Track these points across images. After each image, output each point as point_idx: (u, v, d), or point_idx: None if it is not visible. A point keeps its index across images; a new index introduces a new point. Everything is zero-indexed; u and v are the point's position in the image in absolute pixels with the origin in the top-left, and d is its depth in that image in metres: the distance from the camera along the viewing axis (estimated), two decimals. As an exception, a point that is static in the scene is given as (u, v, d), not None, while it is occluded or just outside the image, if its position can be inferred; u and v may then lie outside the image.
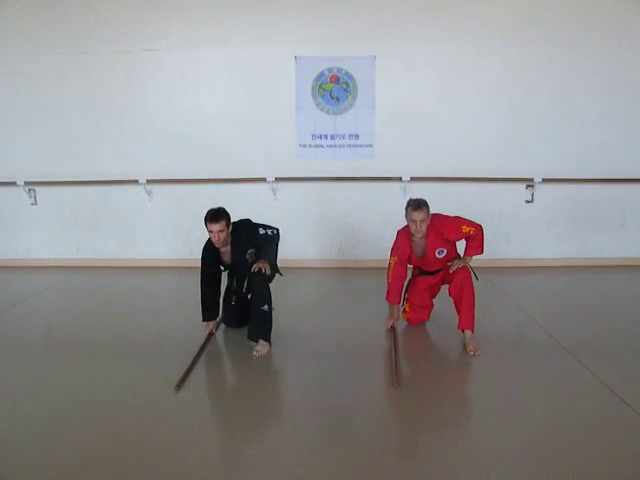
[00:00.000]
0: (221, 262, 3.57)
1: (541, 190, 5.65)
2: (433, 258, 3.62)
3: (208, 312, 3.62)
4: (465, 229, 3.53)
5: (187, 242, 5.81)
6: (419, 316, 3.91)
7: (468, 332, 3.47)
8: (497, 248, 5.68)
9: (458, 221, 3.57)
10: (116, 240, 5.90)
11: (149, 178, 5.66)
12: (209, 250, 3.54)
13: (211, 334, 3.64)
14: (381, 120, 5.57)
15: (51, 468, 2.25)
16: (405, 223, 3.62)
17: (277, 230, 3.55)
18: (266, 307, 3.40)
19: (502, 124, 5.57)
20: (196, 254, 5.66)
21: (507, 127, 5.58)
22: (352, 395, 2.89)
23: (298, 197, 5.72)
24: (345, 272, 5.61)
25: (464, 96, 5.47)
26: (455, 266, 3.54)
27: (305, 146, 5.63)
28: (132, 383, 3.04)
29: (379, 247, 5.78)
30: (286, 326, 3.81)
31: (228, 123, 5.58)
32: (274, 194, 5.66)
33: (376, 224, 5.72)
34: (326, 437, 2.49)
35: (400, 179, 5.54)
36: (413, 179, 5.47)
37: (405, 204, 3.55)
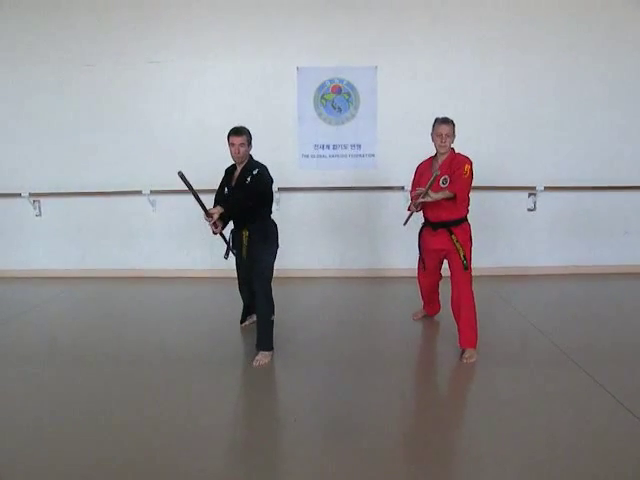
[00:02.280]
0: (229, 184, 3.63)
1: (543, 198, 5.66)
2: (437, 184, 3.49)
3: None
4: (466, 168, 3.44)
5: (191, 252, 5.84)
6: (430, 280, 3.98)
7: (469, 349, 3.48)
8: (500, 256, 5.70)
9: (468, 161, 3.49)
10: (120, 250, 5.92)
11: (153, 189, 5.69)
12: (227, 170, 3.73)
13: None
14: (383, 130, 5.60)
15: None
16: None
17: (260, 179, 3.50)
18: (267, 316, 3.50)
19: (504, 132, 5.59)
20: (199, 265, 5.77)
21: (509, 135, 5.60)
22: (356, 404, 2.89)
23: (300, 207, 5.74)
24: (347, 282, 5.61)
25: (466, 105, 5.49)
26: (422, 196, 3.38)
27: (307, 156, 5.66)
28: (136, 394, 3.05)
29: (381, 257, 5.83)
30: (288, 336, 3.82)
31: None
32: (277, 204, 5.65)
33: (378, 234, 5.75)
34: (330, 446, 2.49)
35: (402, 188, 5.55)
36: (415, 188, 5.50)
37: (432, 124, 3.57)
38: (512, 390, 3.05)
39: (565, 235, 5.76)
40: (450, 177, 3.50)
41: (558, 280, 5.58)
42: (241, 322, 4.13)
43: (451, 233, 3.56)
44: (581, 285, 5.44)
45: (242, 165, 3.55)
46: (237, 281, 3.91)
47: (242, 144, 3.46)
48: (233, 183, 3.58)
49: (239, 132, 3.48)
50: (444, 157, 3.57)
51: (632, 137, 5.60)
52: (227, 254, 3.77)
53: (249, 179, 3.46)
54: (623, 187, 5.62)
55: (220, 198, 3.63)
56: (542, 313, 4.48)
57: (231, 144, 3.49)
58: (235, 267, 3.85)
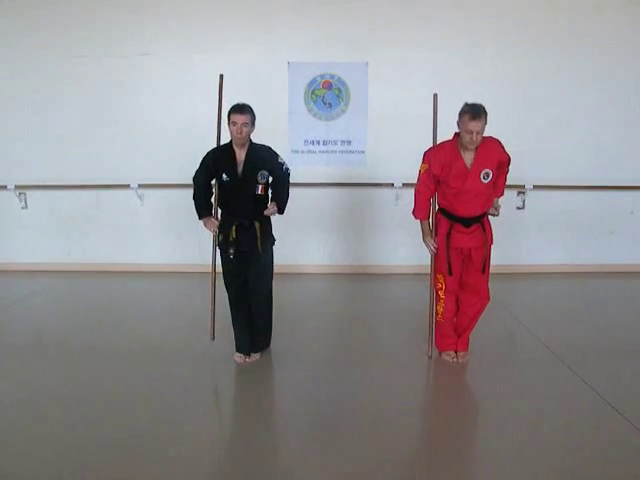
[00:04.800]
0: (229, 170, 3.20)
1: (532, 197, 5.69)
2: (477, 180, 3.09)
3: (203, 209, 3.32)
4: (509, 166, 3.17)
5: (179, 247, 5.80)
6: (456, 288, 3.37)
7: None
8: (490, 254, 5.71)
9: (508, 156, 3.25)
10: (107, 244, 5.86)
11: (141, 182, 5.64)
12: (215, 154, 3.27)
13: (218, 236, 3.31)
14: (373, 126, 5.58)
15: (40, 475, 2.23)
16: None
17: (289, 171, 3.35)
18: (270, 318, 3.50)
19: (493, 130, 5.57)
20: (188, 259, 5.73)
21: (498, 133, 5.56)
22: (347, 401, 2.89)
23: (290, 203, 5.70)
24: (336, 278, 5.62)
25: (456, 102, 5.44)
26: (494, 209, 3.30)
27: (297, 152, 5.64)
28: (122, 390, 3.03)
29: (370, 253, 5.83)
30: (279, 332, 3.80)
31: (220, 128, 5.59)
32: (266, 199, 5.66)
33: (368, 230, 5.75)
34: (319, 443, 2.49)
35: (392, 185, 5.55)
36: (405, 185, 5.48)
37: (460, 111, 3.09)
38: (499, 387, 3.08)
39: (553, 234, 5.79)
40: (493, 172, 3.13)
41: (546, 278, 5.62)
42: (241, 351, 3.41)
43: (484, 230, 3.28)
44: (569, 284, 5.48)
45: (245, 149, 3.18)
46: (230, 305, 3.38)
47: (245, 124, 3.10)
48: (240, 169, 3.18)
49: (242, 109, 3.11)
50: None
51: (621, 137, 5.64)
52: (234, 253, 3.23)
53: (276, 169, 3.23)
54: (611, 187, 5.66)
55: (206, 187, 3.29)
56: (529, 311, 4.51)
57: (232, 123, 3.10)
58: (224, 282, 3.34)
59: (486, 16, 5.43)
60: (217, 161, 3.25)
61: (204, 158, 3.32)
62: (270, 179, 3.29)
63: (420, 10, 5.42)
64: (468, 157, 3.11)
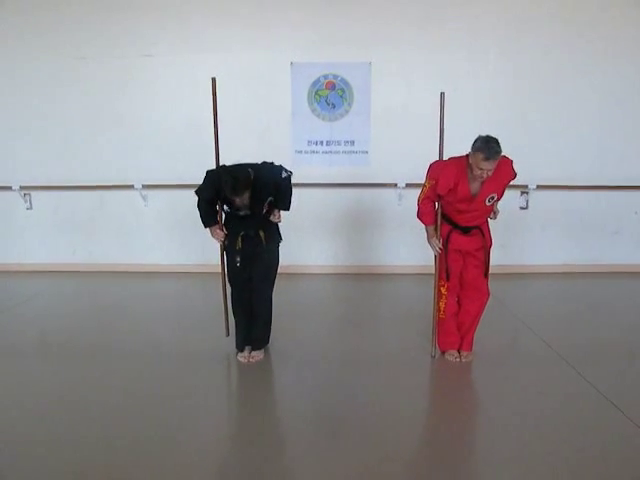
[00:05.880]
0: (232, 204, 3.20)
1: (535, 197, 5.68)
2: (482, 203, 3.15)
3: (208, 220, 3.36)
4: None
5: (183, 247, 5.81)
6: (457, 289, 3.41)
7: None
8: (491, 255, 5.69)
9: (514, 174, 3.19)
10: (112, 245, 5.89)
11: (144, 183, 5.66)
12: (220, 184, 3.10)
13: (223, 243, 3.39)
14: (376, 126, 5.59)
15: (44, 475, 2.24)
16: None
17: (291, 173, 3.36)
18: (269, 318, 3.48)
19: (496, 130, 5.52)
20: (192, 260, 5.75)
21: (501, 133, 5.47)
22: (349, 401, 2.90)
23: (293, 203, 5.70)
24: (340, 278, 5.62)
25: (459, 103, 5.47)
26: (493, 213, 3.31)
27: (301, 152, 5.64)
28: (126, 390, 3.04)
29: (374, 253, 5.83)
30: (282, 332, 3.81)
31: (224, 129, 5.55)
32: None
33: (371, 230, 5.75)
34: (321, 444, 2.50)
35: (395, 185, 5.55)
36: (408, 185, 5.48)
37: (474, 145, 2.99)
38: (503, 388, 3.07)
39: (557, 234, 5.78)
40: (498, 194, 3.16)
41: (549, 279, 5.61)
42: (242, 347, 3.47)
43: (483, 234, 3.33)
44: (573, 284, 5.47)
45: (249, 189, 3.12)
46: (232, 301, 3.48)
47: (245, 198, 3.08)
48: (247, 207, 3.19)
49: (239, 192, 3.00)
50: None
51: (624, 136, 5.62)
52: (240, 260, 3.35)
53: (279, 183, 3.24)
54: (614, 186, 5.65)
55: (211, 202, 3.31)
56: (533, 312, 4.50)
57: (233, 201, 3.11)
58: (228, 279, 3.45)
59: (489, 15, 5.43)
60: (221, 192, 3.15)
61: (209, 180, 3.27)
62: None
63: (422, 9, 5.42)
64: (476, 183, 3.10)
